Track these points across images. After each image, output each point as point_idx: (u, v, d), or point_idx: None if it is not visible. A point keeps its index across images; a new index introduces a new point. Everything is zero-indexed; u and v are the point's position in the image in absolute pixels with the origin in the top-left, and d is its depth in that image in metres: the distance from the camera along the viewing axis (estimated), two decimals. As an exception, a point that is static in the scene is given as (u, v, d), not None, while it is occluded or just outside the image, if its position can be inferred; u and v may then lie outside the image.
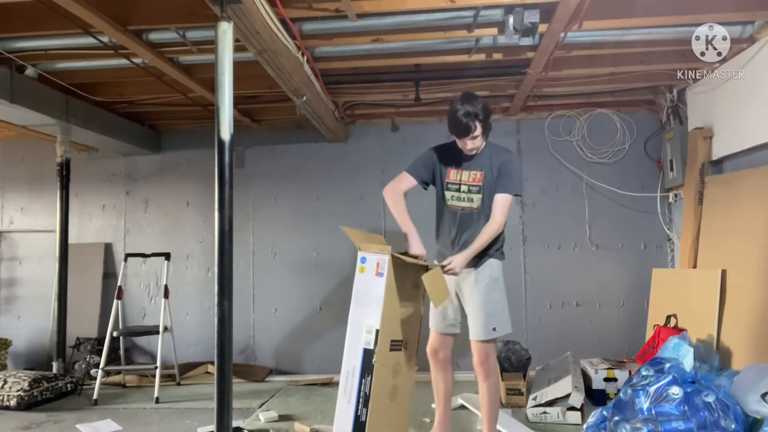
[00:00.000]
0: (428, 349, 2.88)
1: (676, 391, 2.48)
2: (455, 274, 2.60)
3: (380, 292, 2.43)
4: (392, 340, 2.48)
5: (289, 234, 5.10)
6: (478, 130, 2.58)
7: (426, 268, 2.59)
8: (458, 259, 2.57)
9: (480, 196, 2.68)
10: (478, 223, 2.68)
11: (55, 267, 4.67)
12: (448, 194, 2.75)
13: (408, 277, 2.56)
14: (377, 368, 2.40)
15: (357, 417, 2.40)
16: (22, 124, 4.41)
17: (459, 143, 2.67)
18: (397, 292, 2.48)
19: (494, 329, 2.64)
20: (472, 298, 2.69)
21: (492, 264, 2.70)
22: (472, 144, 2.62)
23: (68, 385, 4.33)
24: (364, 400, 2.40)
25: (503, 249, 2.78)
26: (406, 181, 2.77)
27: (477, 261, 2.67)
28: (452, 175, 2.74)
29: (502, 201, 2.62)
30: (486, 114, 2.60)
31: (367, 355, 2.42)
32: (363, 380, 2.42)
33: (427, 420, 3.47)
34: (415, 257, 2.61)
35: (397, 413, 2.56)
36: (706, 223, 3.87)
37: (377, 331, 2.41)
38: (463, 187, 2.71)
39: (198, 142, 5.20)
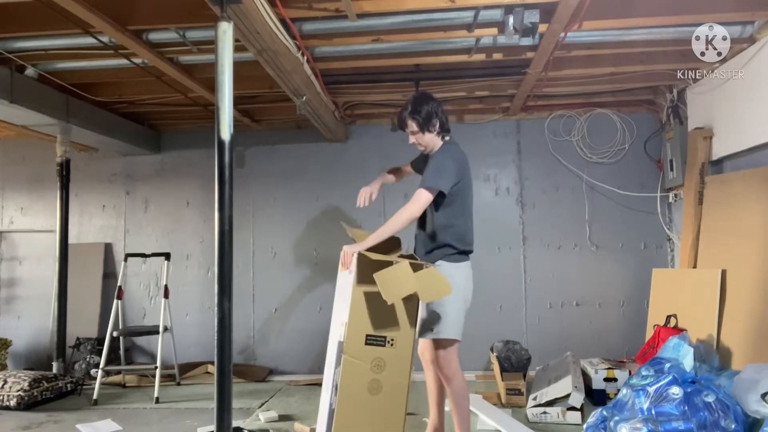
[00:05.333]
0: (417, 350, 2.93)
1: (676, 391, 2.48)
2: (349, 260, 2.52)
3: (350, 288, 2.49)
4: (368, 335, 2.49)
5: (289, 234, 5.11)
6: (414, 127, 2.75)
7: (390, 263, 2.46)
8: (346, 248, 2.55)
9: None
10: (425, 217, 2.75)
11: (55, 267, 4.68)
12: None
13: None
14: (345, 359, 2.46)
15: (330, 405, 2.50)
16: (22, 124, 4.42)
17: None
18: (368, 288, 2.45)
19: (431, 330, 2.64)
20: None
21: (441, 266, 2.66)
22: (412, 139, 2.82)
23: (68, 385, 4.34)
24: (335, 389, 2.51)
25: (462, 250, 2.71)
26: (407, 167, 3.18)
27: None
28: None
29: (416, 193, 2.62)
30: (426, 114, 2.71)
31: (341, 347, 2.50)
32: (336, 370, 2.52)
33: (427, 420, 3.46)
34: (378, 254, 2.53)
35: (382, 409, 2.56)
36: (706, 223, 3.87)
37: (346, 324, 2.47)
38: None
39: (198, 142, 5.21)
